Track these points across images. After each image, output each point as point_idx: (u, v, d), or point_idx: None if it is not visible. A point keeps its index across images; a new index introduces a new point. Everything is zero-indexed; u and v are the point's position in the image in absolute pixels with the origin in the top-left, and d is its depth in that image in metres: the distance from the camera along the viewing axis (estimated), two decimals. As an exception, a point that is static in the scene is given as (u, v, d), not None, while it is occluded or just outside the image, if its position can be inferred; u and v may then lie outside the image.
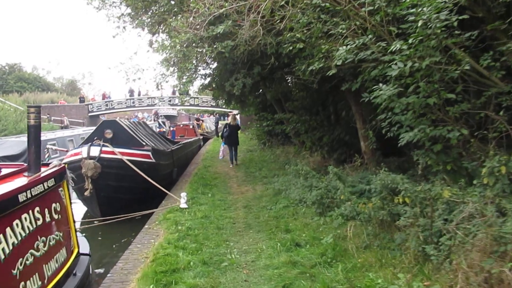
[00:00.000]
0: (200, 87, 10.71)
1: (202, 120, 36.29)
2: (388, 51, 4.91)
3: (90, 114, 38.24)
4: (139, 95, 40.27)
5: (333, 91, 11.10)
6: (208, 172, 13.42)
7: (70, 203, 5.48)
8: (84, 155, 9.19)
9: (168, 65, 8.49)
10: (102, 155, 9.35)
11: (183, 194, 8.34)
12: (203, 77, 10.52)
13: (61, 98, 47.33)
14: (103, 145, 9.49)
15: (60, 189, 5.20)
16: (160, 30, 10.13)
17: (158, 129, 25.92)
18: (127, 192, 9.96)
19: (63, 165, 5.41)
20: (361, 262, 4.68)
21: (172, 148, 13.61)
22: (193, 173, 13.39)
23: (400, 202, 4.81)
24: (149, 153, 10.57)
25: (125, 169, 9.45)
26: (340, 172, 7.39)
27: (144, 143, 10.94)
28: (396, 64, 4.71)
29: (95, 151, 9.32)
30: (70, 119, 36.68)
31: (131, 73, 9.69)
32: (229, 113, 30.20)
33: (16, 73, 57.27)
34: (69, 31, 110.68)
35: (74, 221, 5.53)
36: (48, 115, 35.94)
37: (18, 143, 15.46)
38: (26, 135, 5.17)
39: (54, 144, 17.43)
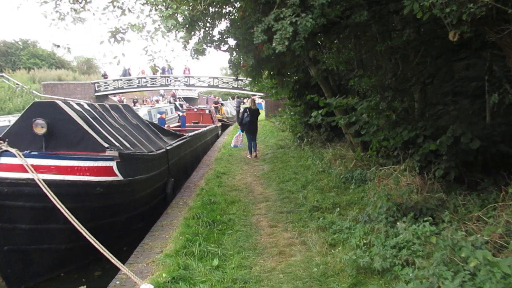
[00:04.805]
0: (207, 42, 5.40)
1: (222, 104, 31.44)
2: None
3: (96, 93, 33.85)
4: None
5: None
6: (221, 186, 8.58)
7: None
8: (-41, 174, 4.49)
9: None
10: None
11: (146, 290, 3.55)
12: (209, 25, 5.41)
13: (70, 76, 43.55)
14: (3, 153, 4.75)
15: None
16: None
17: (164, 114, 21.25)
18: (64, 239, 5.30)
19: None
20: None
21: (168, 148, 8.83)
22: (199, 187, 8.59)
23: None
24: (112, 163, 5.81)
25: (56, 197, 4.74)
26: None
27: (106, 144, 6.16)
28: None
29: (-19, 166, 4.59)
30: (73, 100, 32.44)
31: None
32: (251, 96, 25.47)
33: (30, 49, 54.52)
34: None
35: None
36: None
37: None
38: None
39: None
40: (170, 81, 34.44)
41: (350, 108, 8.67)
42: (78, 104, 6.73)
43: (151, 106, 29.22)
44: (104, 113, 7.46)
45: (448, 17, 3.49)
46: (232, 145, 13.61)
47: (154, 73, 33.94)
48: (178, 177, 9.26)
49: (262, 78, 9.27)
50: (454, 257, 3.52)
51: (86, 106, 6.91)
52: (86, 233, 4.27)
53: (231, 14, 5.46)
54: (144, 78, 34.60)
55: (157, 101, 40.52)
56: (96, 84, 34.44)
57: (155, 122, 16.07)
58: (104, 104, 8.08)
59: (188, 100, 47.57)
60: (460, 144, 5.99)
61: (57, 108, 6.12)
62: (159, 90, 44.42)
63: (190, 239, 5.14)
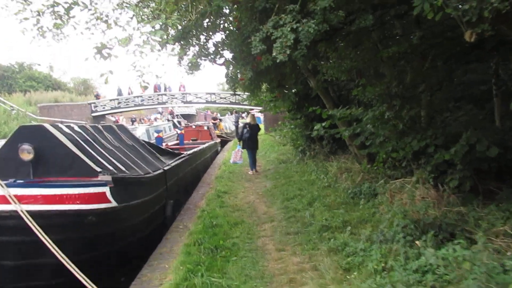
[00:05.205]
0: (202, 55, 5.09)
1: (220, 119, 31.12)
2: None
3: (93, 114, 33.55)
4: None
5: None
6: (223, 206, 8.16)
7: None
8: None
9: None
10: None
11: None
12: (203, 38, 5.10)
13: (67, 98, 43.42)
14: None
15: None
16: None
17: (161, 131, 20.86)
18: (55, 274, 4.88)
19: None
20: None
21: (166, 168, 8.44)
22: (200, 209, 8.17)
23: None
24: (105, 189, 5.42)
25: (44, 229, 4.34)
26: None
27: (99, 169, 5.77)
28: None
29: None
30: (70, 120, 32.10)
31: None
32: (249, 111, 25.18)
33: (26, 72, 54.51)
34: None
35: None
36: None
37: None
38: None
39: None
40: (167, 98, 34.20)
41: (354, 119, 8.32)
42: (68, 126, 6.35)
43: (149, 125, 28.87)
44: (97, 135, 7.08)
45: (466, 15, 3.15)
46: (231, 161, 13.30)
47: (156, 90, 33.70)
48: (177, 198, 8.85)
49: (260, 92, 8.93)
50: (490, 284, 3.13)
51: (76, 129, 6.54)
52: (73, 268, 3.86)
53: (225, 26, 5.14)
54: (141, 96, 34.34)
55: (156, 119, 40.21)
56: (92, 105, 34.16)
57: (153, 141, 15.73)
58: (96, 125, 7.71)
59: (186, 116, 47.22)
60: (475, 152, 5.60)
61: (45, 132, 5.74)
62: (156, 108, 44.17)
63: (191, 270, 4.72)
